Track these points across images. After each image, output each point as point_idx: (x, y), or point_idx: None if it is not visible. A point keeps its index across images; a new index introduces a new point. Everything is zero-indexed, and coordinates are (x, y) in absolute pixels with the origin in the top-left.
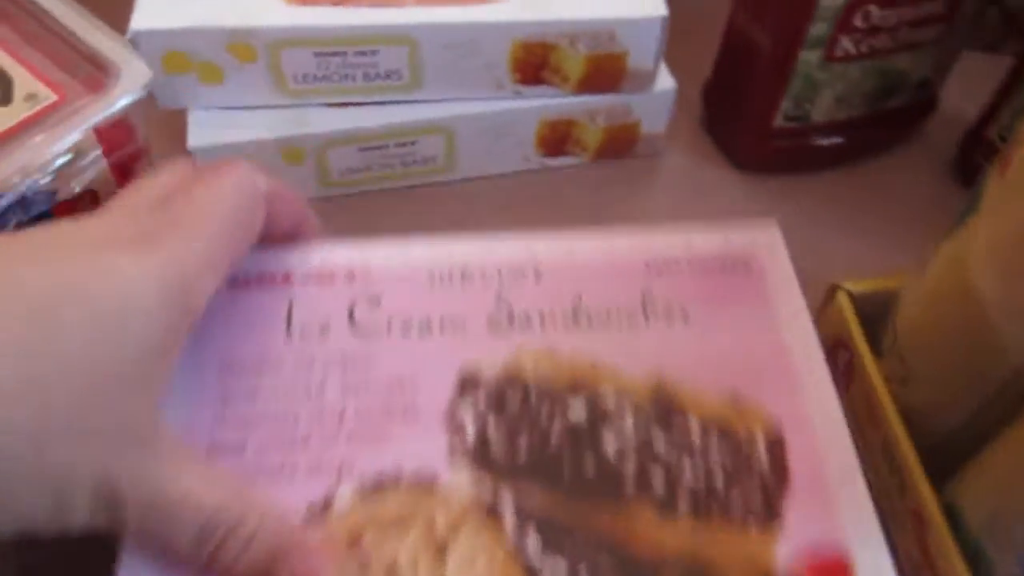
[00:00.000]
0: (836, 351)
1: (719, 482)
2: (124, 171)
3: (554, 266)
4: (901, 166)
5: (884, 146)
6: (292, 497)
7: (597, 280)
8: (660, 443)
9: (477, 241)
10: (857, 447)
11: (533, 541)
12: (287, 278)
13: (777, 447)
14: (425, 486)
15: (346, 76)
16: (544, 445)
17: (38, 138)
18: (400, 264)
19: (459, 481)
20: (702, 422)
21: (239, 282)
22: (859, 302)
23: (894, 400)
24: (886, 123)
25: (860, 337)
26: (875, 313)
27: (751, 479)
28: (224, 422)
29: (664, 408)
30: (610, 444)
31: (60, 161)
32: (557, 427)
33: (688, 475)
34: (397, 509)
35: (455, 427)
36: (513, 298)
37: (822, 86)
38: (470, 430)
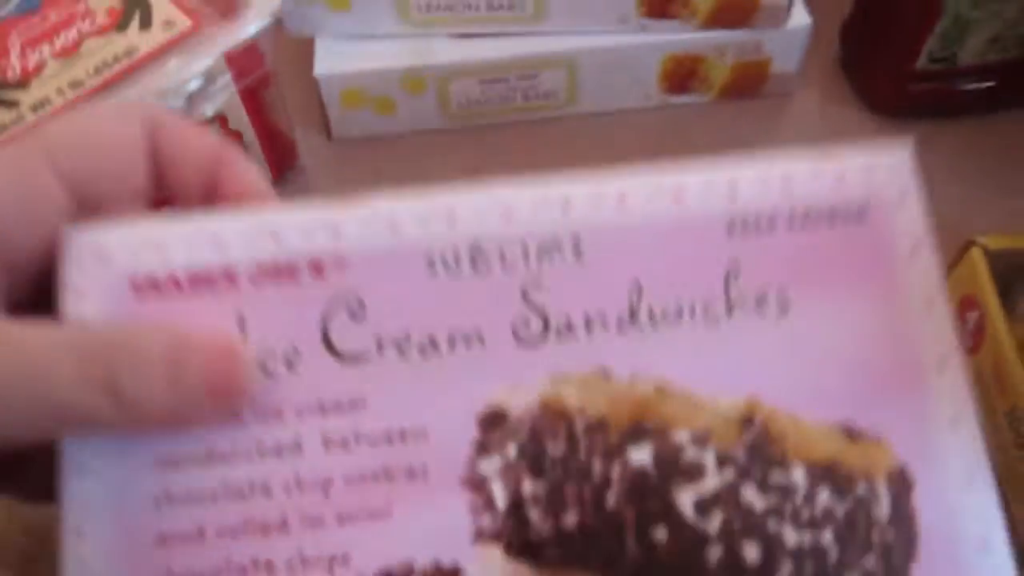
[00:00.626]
0: (965, 310)
1: (831, 557)
2: (252, 96)
3: (599, 233)
4: None
5: None
6: None
7: (660, 252)
8: (754, 506)
9: (487, 196)
10: (981, 417)
11: None
12: (230, 277)
13: (903, 499)
14: None
15: (469, 6)
16: (599, 510)
17: (172, 63)
18: (385, 244)
19: (490, 571)
20: (809, 471)
21: (162, 286)
22: (995, 261)
23: None
24: None
25: (994, 298)
26: (1011, 274)
27: (870, 551)
28: (170, 502)
29: (759, 455)
30: (687, 508)
31: (193, 86)
32: (615, 484)
33: (790, 551)
34: None
35: (479, 494)
36: (545, 291)
37: (974, 25)
38: (499, 497)
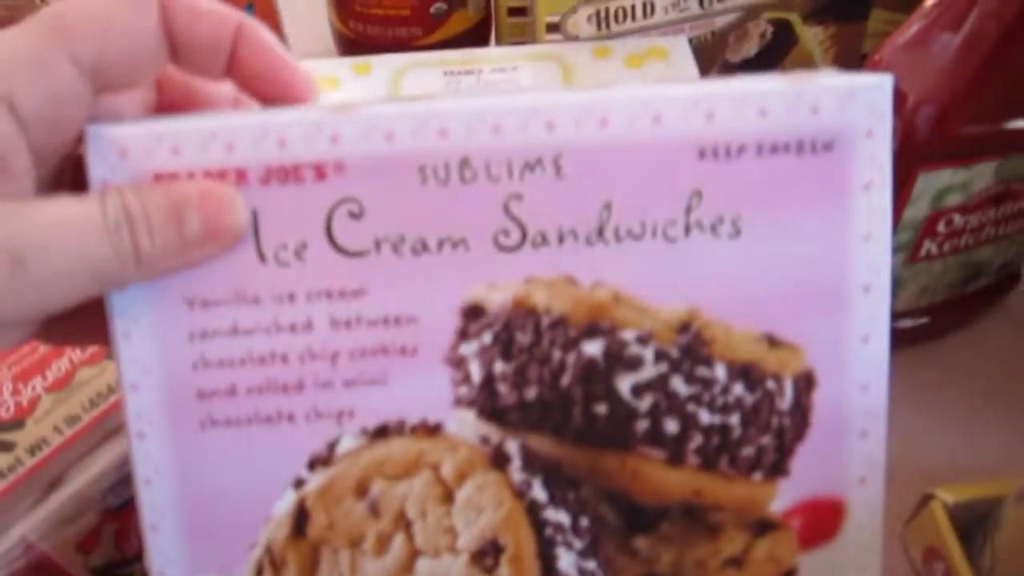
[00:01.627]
0: (932, 559)
1: (734, 435)
2: None
3: (581, 154)
4: (984, 340)
5: (967, 323)
6: (293, 447)
7: (633, 175)
8: (679, 392)
9: (478, 112)
10: None
11: (539, 492)
12: (242, 175)
13: (804, 396)
14: (430, 433)
15: None
16: (554, 388)
17: None
18: (381, 152)
19: (465, 428)
20: (729, 369)
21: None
22: (955, 512)
23: None
24: (968, 304)
25: (959, 554)
26: (971, 523)
27: (767, 433)
28: (206, 366)
29: (690, 355)
30: (625, 390)
31: None
32: (569, 369)
33: (702, 427)
34: (402, 457)
35: (459, 370)
36: (526, 207)
37: (906, 282)
38: (475, 373)
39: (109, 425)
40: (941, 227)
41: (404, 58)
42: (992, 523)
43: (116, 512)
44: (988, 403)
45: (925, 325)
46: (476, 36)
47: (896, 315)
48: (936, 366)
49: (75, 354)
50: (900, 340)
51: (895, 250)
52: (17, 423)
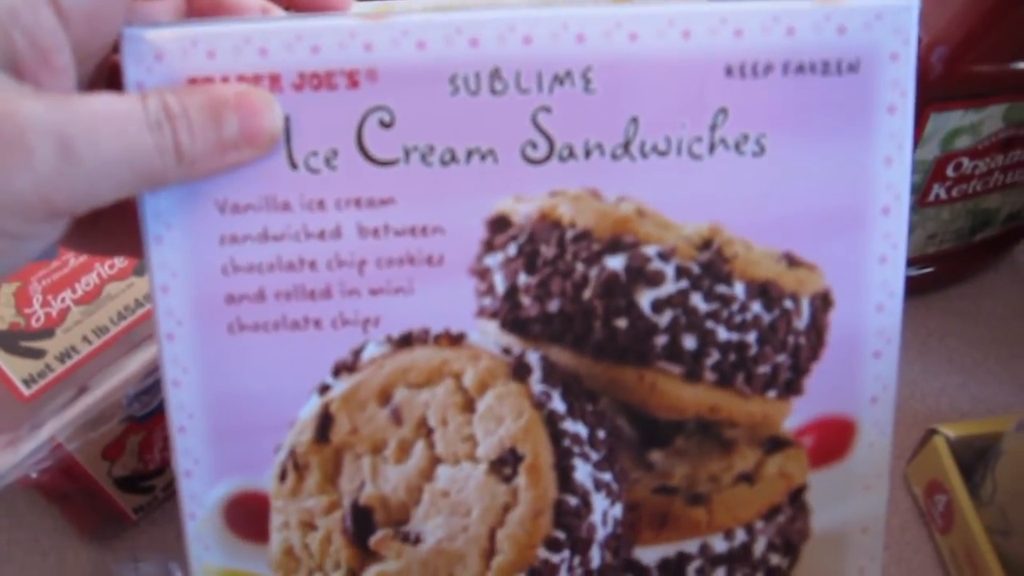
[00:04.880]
0: (932, 494)
1: (751, 352)
2: None
3: (610, 67)
4: (990, 290)
5: (972, 274)
6: (318, 353)
7: (661, 91)
8: (698, 309)
9: (510, 22)
10: None
11: (558, 403)
12: (275, 80)
13: (821, 315)
14: (453, 342)
15: None
16: (576, 301)
17: None
18: (413, 61)
19: (487, 339)
20: (748, 287)
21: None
22: (957, 447)
23: (995, 550)
24: (975, 254)
25: (960, 486)
26: (972, 458)
27: (783, 351)
28: (235, 271)
29: (710, 272)
30: (645, 305)
31: None
32: (592, 283)
33: (720, 344)
34: (426, 365)
35: (483, 280)
36: (554, 119)
37: (914, 227)
38: (499, 284)
39: (136, 337)
40: (950, 171)
41: None
42: (993, 454)
43: (141, 422)
44: (991, 351)
45: (931, 274)
46: None
47: None
48: (940, 315)
49: (104, 269)
50: (905, 288)
51: None
52: (47, 332)
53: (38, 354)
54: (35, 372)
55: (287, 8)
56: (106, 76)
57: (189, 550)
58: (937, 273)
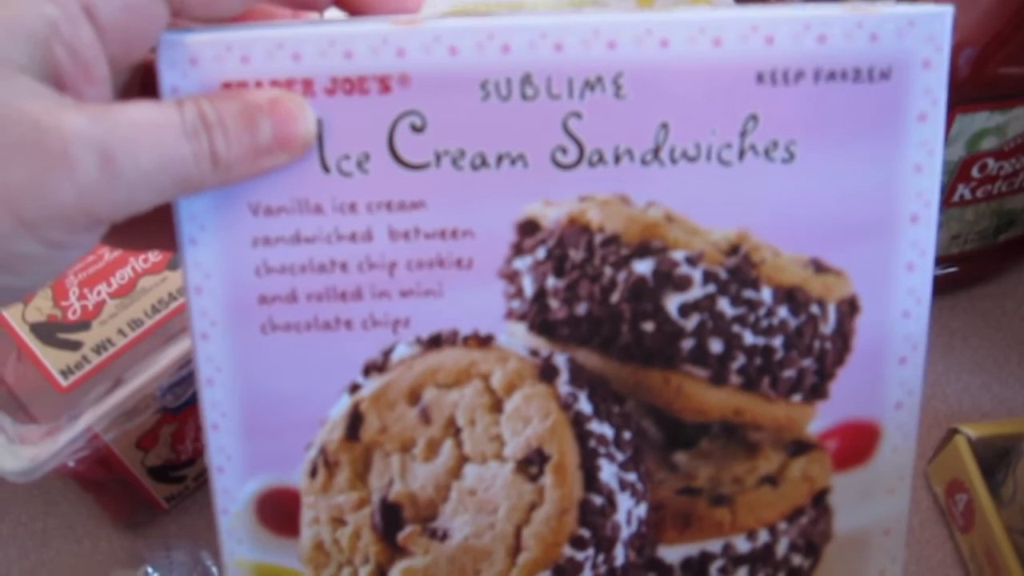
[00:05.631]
0: (953, 493)
1: (777, 357)
2: None
3: (641, 73)
4: (1014, 291)
5: (996, 274)
6: (349, 353)
7: (691, 97)
8: (725, 313)
9: (541, 29)
10: None
11: (585, 404)
12: (308, 85)
13: (847, 321)
14: (482, 344)
15: None
16: (604, 304)
17: None
18: (445, 66)
19: (515, 341)
20: (775, 292)
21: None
22: (978, 447)
23: (1015, 549)
24: (999, 254)
25: (981, 485)
26: (993, 458)
27: (809, 356)
28: (268, 272)
29: (737, 276)
30: (672, 309)
31: None
32: (619, 286)
33: (746, 348)
34: (454, 366)
35: (512, 283)
36: (584, 125)
37: (938, 227)
38: (528, 287)
39: (170, 330)
40: (975, 172)
41: None
42: (1014, 455)
43: (174, 413)
44: (1013, 352)
45: (954, 274)
46: None
47: None
48: (963, 315)
49: (138, 263)
50: None
51: None
52: (83, 324)
53: (75, 346)
54: (72, 364)
55: (352, 14)
56: (140, 78)
57: (222, 544)
58: (961, 273)
